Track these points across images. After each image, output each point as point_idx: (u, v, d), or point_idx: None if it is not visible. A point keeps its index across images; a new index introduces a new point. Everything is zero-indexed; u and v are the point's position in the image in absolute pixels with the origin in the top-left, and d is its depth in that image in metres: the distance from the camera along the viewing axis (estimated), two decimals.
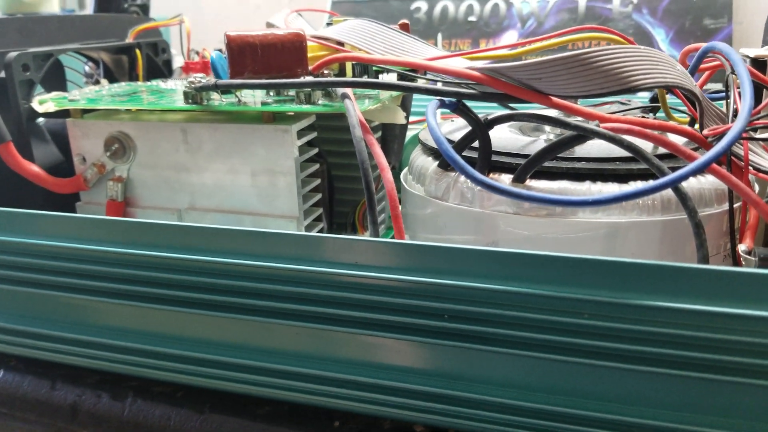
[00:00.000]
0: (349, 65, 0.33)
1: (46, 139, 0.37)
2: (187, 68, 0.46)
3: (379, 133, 0.38)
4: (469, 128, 0.27)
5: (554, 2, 0.75)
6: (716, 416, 0.20)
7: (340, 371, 0.24)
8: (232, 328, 0.25)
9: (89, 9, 0.57)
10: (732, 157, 0.25)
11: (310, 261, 0.22)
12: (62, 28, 0.42)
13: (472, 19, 0.78)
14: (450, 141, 0.28)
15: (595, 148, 0.27)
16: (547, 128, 0.30)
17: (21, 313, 0.29)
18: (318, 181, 0.33)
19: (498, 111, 0.28)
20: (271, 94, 0.33)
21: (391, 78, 0.35)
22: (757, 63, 0.33)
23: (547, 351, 0.21)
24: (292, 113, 0.31)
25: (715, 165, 0.22)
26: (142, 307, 0.26)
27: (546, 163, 0.25)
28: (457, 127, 0.32)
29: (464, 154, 0.28)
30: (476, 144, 0.27)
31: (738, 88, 0.24)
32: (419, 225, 0.30)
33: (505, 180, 0.26)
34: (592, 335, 0.20)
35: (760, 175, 0.26)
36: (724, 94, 0.27)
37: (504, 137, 0.30)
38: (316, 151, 0.33)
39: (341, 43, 0.33)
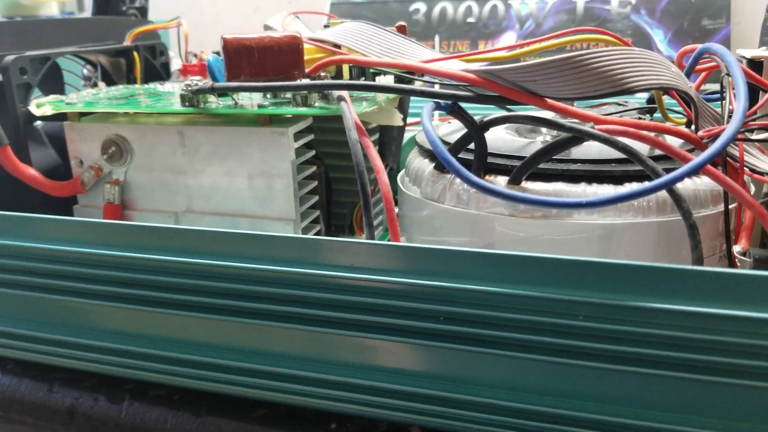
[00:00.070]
0: (345, 68, 0.33)
1: (43, 143, 0.37)
2: (185, 71, 0.46)
3: (377, 135, 0.38)
4: (466, 130, 0.27)
5: (552, 3, 0.75)
6: (712, 417, 0.20)
7: (336, 373, 0.24)
8: (229, 330, 0.25)
9: (88, 12, 0.57)
10: (727, 158, 0.25)
11: (306, 263, 0.22)
12: (60, 31, 0.42)
13: (470, 20, 0.78)
14: (446, 143, 0.28)
15: (590, 149, 0.27)
16: (544, 130, 0.30)
17: (18, 316, 0.29)
18: (315, 184, 0.33)
19: (496, 112, 0.28)
20: (268, 96, 0.33)
21: (387, 80, 0.35)
22: (754, 64, 0.33)
23: (542, 353, 0.21)
24: (290, 116, 0.31)
25: (709, 166, 0.22)
26: (139, 310, 0.26)
27: (541, 165, 0.25)
28: (454, 129, 0.32)
29: (461, 156, 0.28)
30: (472, 146, 0.27)
31: (733, 89, 0.24)
32: (416, 227, 0.30)
33: (500, 182, 0.26)
34: (588, 337, 0.20)
35: (756, 176, 0.26)
36: (724, 95, 0.27)
37: (500, 139, 0.30)
38: (313, 153, 0.33)
39: (338, 46, 0.33)
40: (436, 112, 0.42)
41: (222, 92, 0.31)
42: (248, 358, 0.25)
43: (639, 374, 0.20)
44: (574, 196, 0.25)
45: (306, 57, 0.31)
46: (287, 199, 0.31)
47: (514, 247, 0.25)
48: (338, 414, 0.25)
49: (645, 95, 0.40)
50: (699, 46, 0.29)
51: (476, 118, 0.26)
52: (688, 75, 0.31)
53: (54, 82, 0.41)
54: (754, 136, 0.28)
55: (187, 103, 0.31)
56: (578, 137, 0.23)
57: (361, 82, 0.33)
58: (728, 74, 0.25)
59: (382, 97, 0.33)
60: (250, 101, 0.32)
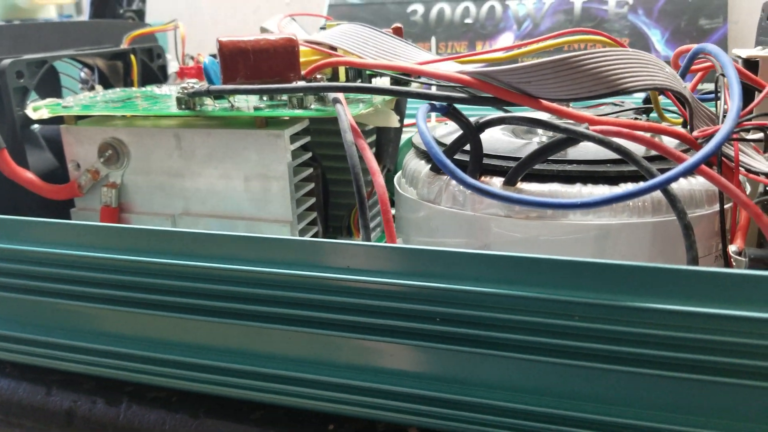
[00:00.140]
0: (342, 70, 0.33)
1: (41, 146, 0.37)
2: (182, 73, 0.46)
3: (374, 137, 0.38)
4: (462, 131, 0.27)
5: (550, 4, 0.75)
6: (708, 417, 0.20)
7: (333, 375, 0.24)
8: (227, 333, 0.25)
9: (86, 15, 0.57)
10: (723, 158, 0.25)
11: (302, 265, 0.22)
12: (57, 35, 0.42)
13: (468, 21, 0.78)
14: (442, 144, 0.28)
15: (586, 150, 0.27)
16: (540, 131, 0.31)
17: (16, 319, 0.29)
18: (312, 186, 0.33)
19: (492, 114, 0.28)
20: (264, 99, 0.33)
21: (383, 82, 0.35)
22: (749, 64, 0.33)
23: (539, 353, 0.21)
24: (286, 118, 0.31)
25: (704, 166, 0.22)
26: (136, 313, 0.26)
27: (537, 166, 0.26)
28: (451, 130, 0.32)
29: (457, 157, 0.28)
30: (468, 147, 0.27)
31: (728, 89, 0.24)
32: (412, 228, 0.30)
33: (496, 183, 0.26)
34: (584, 337, 0.20)
35: (751, 175, 0.26)
36: (719, 95, 0.27)
37: (496, 140, 0.30)
38: (309, 155, 0.33)
39: (334, 48, 0.33)
40: (434, 114, 0.42)
41: (218, 95, 0.31)
42: (246, 360, 0.25)
43: (635, 374, 0.20)
44: (570, 197, 0.25)
45: (302, 59, 0.31)
46: (284, 202, 0.31)
47: (510, 248, 0.26)
48: (336, 415, 0.25)
49: (641, 96, 0.40)
50: (694, 46, 0.29)
51: (472, 119, 0.27)
52: (683, 75, 0.31)
53: (51, 86, 0.41)
54: (750, 136, 0.28)
55: (183, 106, 0.31)
56: (573, 138, 0.23)
57: (357, 84, 0.33)
58: (723, 74, 0.25)
59: (378, 98, 0.33)
60: (247, 104, 0.32)
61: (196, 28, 0.92)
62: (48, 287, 0.27)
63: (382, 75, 0.35)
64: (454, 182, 0.27)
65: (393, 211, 0.32)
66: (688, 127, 0.27)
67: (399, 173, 0.33)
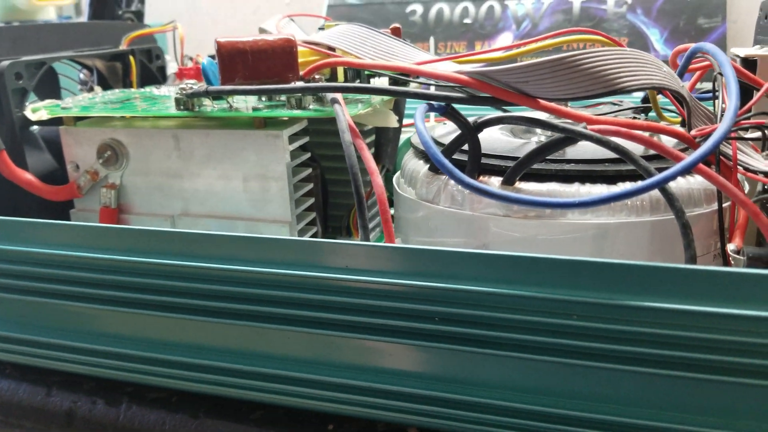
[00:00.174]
0: (340, 70, 0.33)
1: (40, 147, 0.37)
2: (181, 74, 0.46)
3: (373, 137, 0.38)
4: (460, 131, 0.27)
5: (549, 3, 0.75)
6: (707, 415, 0.20)
7: (333, 375, 0.24)
8: (226, 333, 0.25)
9: (85, 16, 0.57)
10: (721, 157, 0.25)
11: (301, 265, 0.22)
12: (56, 36, 0.42)
13: (467, 21, 0.78)
14: (440, 144, 0.28)
15: (584, 149, 0.27)
16: (538, 130, 0.31)
17: (16, 320, 0.29)
18: (311, 186, 0.33)
19: (493, 113, 0.28)
20: (263, 99, 0.33)
21: (382, 82, 0.35)
22: (748, 62, 0.33)
23: (537, 352, 0.21)
24: (285, 118, 0.31)
25: (702, 165, 0.22)
26: (136, 314, 0.26)
27: (535, 166, 0.26)
28: (450, 130, 0.32)
29: (455, 157, 0.28)
30: (467, 147, 0.27)
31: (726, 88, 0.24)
32: (411, 228, 0.30)
33: (494, 183, 0.26)
34: (582, 336, 0.20)
35: (749, 174, 0.26)
36: (717, 94, 0.27)
37: (495, 140, 0.30)
38: (308, 155, 0.33)
39: (332, 48, 0.33)
40: (433, 114, 0.42)
41: (216, 96, 0.31)
42: (246, 360, 0.25)
43: (633, 373, 0.20)
44: (568, 196, 0.25)
45: (300, 60, 0.31)
46: (283, 202, 0.31)
47: (508, 248, 0.26)
48: (336, 415, 0.25)
49: (640, 95, 0.40)
50: (692, 46, 0.29)
51: (471, 119, 0.27)
52: (681, 74, 0.31)
53: (50, 87, 0.42)
54: (748, 135, 0.28)
55: (182, 107, 0.31)
56: (571, 137, 0.23)
57: (355, 84, 0.33)
58: (720, 73, 0.25)
59: (377, 99, 0.33)
60: (245, 104, 0.32)
61: (196, 29, 0.92)
62: (48, 288, 0.27)
63: (380, 75, 0.35)
64: (452, 182, 0.27)
65: (392, 211, 0.32)
66: (686, 126, 0.27)
67: (398, 173, 0.33)
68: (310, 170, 0.33)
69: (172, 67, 0.50)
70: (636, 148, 0.24)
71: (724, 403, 0.19)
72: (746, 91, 0.29)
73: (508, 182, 0.26)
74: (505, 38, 0.76)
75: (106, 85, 0.45)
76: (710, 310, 0.18)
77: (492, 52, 0.35)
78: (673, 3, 0.71)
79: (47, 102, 0.35)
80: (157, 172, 0.33)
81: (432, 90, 0.29)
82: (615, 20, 0.73)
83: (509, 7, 0.77)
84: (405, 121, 0.40)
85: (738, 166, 0.26)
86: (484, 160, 0.27)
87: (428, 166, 0.29)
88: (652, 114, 0.33)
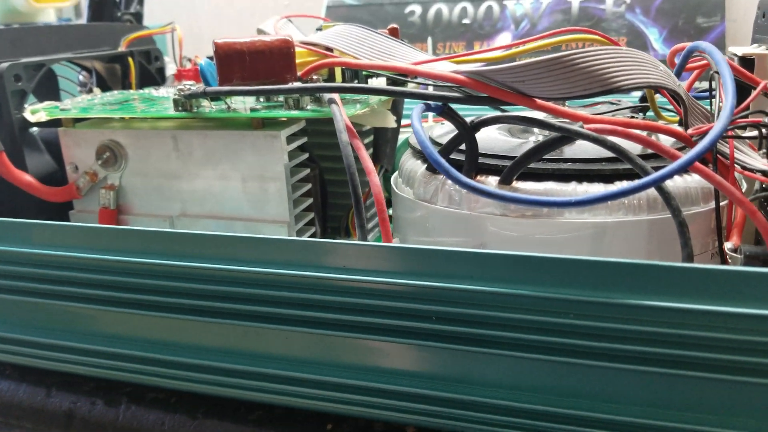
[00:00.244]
0: (338, 70, 0.33)
1: (39, 149, 0.37)
2: (180, 76, 0.46)
3: (371, 138, 0.38)
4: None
5: (547, 3, 0.75)
6: (705, 413, 0.20)
7: (331, 374, 0.24)
8: (224, 333, 0.25)
9: (85, 19, 0.57)
10: (718, 156, 0.25)
11: (298, 265, 0.23)
12: (55, 38, 0.42)
13: (465, 21, 0.78)
14: (438, 144, 0.28)
15: (582, 148, 0.27)
16: (536, 130, 0.31)
17: (16, 321, 0.29)
18: (309, 186, 0.33)
19: (491, 113, 0.28)
20: (261, 100, 0.33)
21: (380, 83, 0.35)
22: (745, 61, 0.33)
23: (534, 351, 0.21)
24: (284, 119, 0.32)
25: (698, 163, 0.22)
26: (135, 314, 0.26)
27: (532, 165, 0.26)
28: (448, 130, 0.32)
29: (453, 156, 0.28)
30: (464, 147, 0.27)
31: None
32: (409, 228, 0.30)
33: (492, 182, 0.26)
34: (579, 335, 0.20)
35: (746, 173, 0.26)
36: (714, 93, 0.28)
37: (493, 139, 0.30)
38: (306, 156, 0.33)
39: (330, 49, 0.33)
40: (431, 114, 0.42)
41: (214, 96, 0.31)
42: (244, 360, 0.25)
43: (629, 371, 0.20)
44: (565, 196, 0.25)
45: (298, 60, 0.31)
46: (281, 202, 0.31)
47: (506, 247, 0.26)
48: (334, 415, 0.25)
49: (638, 94, 0.40)
50: (689, 44, 0.29)
51: (469, 119, 0.27)
52: (678, 73, 0.31)
53: (49, 89, 0.42)
54: (746, 134, 0.28)
55: (180, 108, 0.32)
56: (567, 137, 0.23)
57: (351, 84, 0.33)
58: (717, 72, 0.25)
59: (374, 99, 0.33)
60: (243, 105, 0.32)
61: (194, 32, 0.92)
62: (47, 289, 0.27)
63: (378, 75, 0.35)
64: (449, 182, 0.27)
65: (390, 211, 0.32)
66: (683, 125, 0.27)
67: (396, 173, 0.33)
68: (308, 171, 0.33)
69: (170, 69, 0.51)
70: (633, 148, 0.24)
71: (721, 401, 0.19)
72: (744, 90, 0.30)
73: (505, 182, 0.26)
74: (504, 38, 0.76)
75: (105, 87, 0.45)
76: (708, 308, 0.18)
77: (489, 51, 0.35)
78: (671, 2, 0.71)
79: (46, 104, 0.35)
80: (155, 173, 0.33)
81: (429, 90, 0.29)
82: (614, 20, 0.73)
83: (508, 7, 0.77)
84: (404, 122, 0.40)
85: (735, 165, 0.26)
86: (481, 160, 0.27)
87: (426, 166, 0.29)
88: (650, 113, 0.33)
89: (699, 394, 0.19)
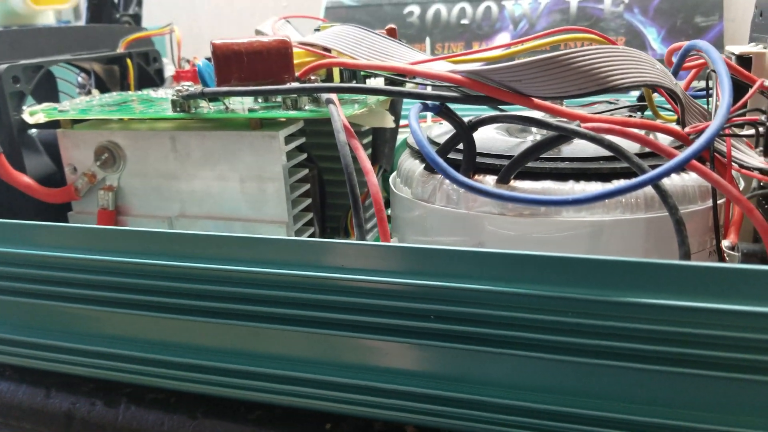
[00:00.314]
0: (336, 71, 0.33)
1: (38, 150, 0.37)
2: (178, 77, 0.46)
3: (370, 138, 0.38)
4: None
5: (546, 3, 0.75)
6: (703, 411, 0.20)
7: (330, 374, 0.24)
8: (223, 333, 0.25)
9: (84, 21, 0.57)
10: (716, 154, 0.26)
11: (296, 265, 0.23)
12: (54, 40, 0.42)
13: (464, 22, 0.78)
14: (436, 144, 0.29)
15: (580, 147, 0.27)
16: (534, 129, 0.31)
17: (15, 322, 0.29)
18: (307, 186, 0.33)
19: (489, 113, 0.28)
20: (259, 100, 0.33)
21: (377, 83, 0.36)
22: (743, 60, 0.33)
23: (533, 350, 0.21)
24: (282, 119, 0.32)
25: (695, 162, 0.22)
26: (134, 315, 0.26)
27: (530, 164, 0.26)
28: (446, 130, 0.32)
29: (451, 156, 0.28)
30: (462, 146, 0.27)
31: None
32: (408, 227, 0.30)
33: (489, 181, 0.26)
34: (577, 333, 0.20)
35: (744, 171, 0.26)
36: (711, 91, 0.28)
37: (491, 139, 0.30)
38: (304, 156, 0.33)
39: (328, 49, 0.33)
40: (430, 114, 0.42)
41: (212, 97, 0.31)
42: (243, 360, 0.25)
43: (628, 369, 0.20)
44: (562, 194, 0.25)
45: (296, 61, 0.31)
46: (279, 202, 0.31)
47: (504, 246, 0.26)
48: (334, 414, 0.25)
49: (638, 94, 0.40)
50: (685, 43, 0.29)
51: (467, 118, 0.27)
52: (675, 72, 0.31)
53: (48, 90, 0.42)
54: (744, 132, 0.28)
55: (178, 109, 0.32)
56: (564, 135, 0.23)
57: (349, 84, 0.33)
58: (714, 70, 0.25)
59: (372, 99, 0.33)
60: (241, 106, 0.32)
61: (193, 33, 0.92)
62: (46, 290, 0.27)
63: (376, 76, 0.35)
64: (447, 181, 0.27)
65: (388, 211, 0.32)
66: (681, 123, 0.27)
67: (394, 173, 0.33)
68: (306, 171, 0.33)
69: (169, 70, 0.51)
70: (631, 146, 0.25)
71: (720, 399, 0.19)
72: (742, 89, 0.30)
73: (503, 181, 0.26)
74: (503, 38, 0.76)
75: (104, 88, 0.45)
76: (705, 306, 0.18)
77: (487, 51, 0.35)
78: (670, 2, 0.71)
79: (45, 105, 0.36)
80: (154, 174, 0.33)
81: (427, 90, 0.29)
82: (612, 20, 0.73)
83: (506, 8, 0.77)
84: (403, 122, 0.40)
85: (732, 163, 0.26)
86: (479, 159, 0.27)
87: (424, 165, 0.29)
88: (648, 113, 0.33)
89: (697, 391, 0.20)
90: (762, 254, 0.23)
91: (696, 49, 0.28)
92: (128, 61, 0.45)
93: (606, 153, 0.25)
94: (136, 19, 0.56)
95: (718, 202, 0.26)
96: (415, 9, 0.80)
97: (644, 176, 0.20)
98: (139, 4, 0.57)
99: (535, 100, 0.24)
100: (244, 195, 0.32)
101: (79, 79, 0.50)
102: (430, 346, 0.22)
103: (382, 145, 0.38)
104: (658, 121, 0.30)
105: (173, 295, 0.25)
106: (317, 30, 0.37)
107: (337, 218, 0.39)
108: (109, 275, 0.26)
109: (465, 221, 0.27)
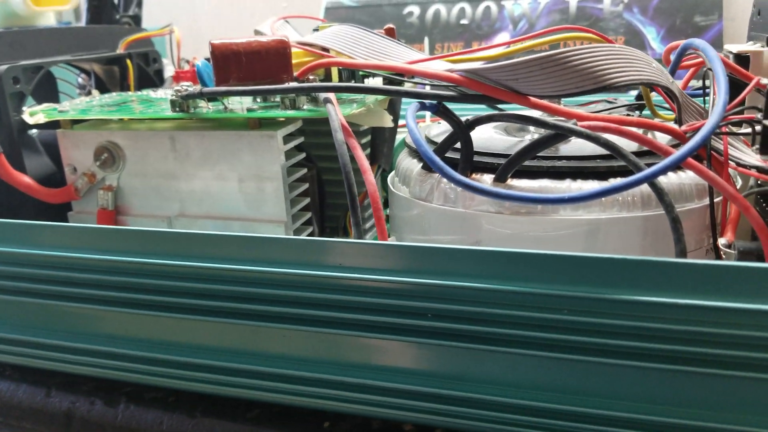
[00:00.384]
0: (335, 70, 0.34)
1: (38, 150, 0.37)
2: (178, 77, 0.46)
3: (368, 137, 0.38)
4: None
5: (545, 3, 0.75)
6: (700, 408, 0.20)
7: (329, 372, 0.24)
8: (222, 332, 0.25)
9: (84, 21, 0.57)
10: (712, 152, 0.26)
11: (294, 264, 0.23)
12: (54, 41, 0.43)
13: (464, 22, 0.78)
14: (433, 143, 0.29)
15: (577, 146, 0.27)
16: (532, 128, 0.31)
17: (15, 322, 0.29)
18: (306, 186, 0.33)
19: (487, 112, 0.28)
20: (258, 100, 0.33)
21: (376, 82, 0.36)
22: (740, 59, 0.33)
23: (530, 347, 0.21)
24: (281, 119, 0.32)
25: (691, 160, 0.22)
26: (134, 314, 0.26)
27: (527, 163, 0.26)
28: (444, 130, 0.32)
29: (449, 155, 0.28)
30: (459, 145, 0.27)
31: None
32: (406, 226, 0.30)
33: (487, 180, 0.26)
34: (574, 331, 0.20)
35: (740, 169, 0.26)
36: (709, 90, 0.28)
37: (489, 138, 0.30)
38: (303, 155, 0.33)
39: (326, 49, 0.33)
40: (428, 113, 0.42)
41: (211, 97, 0.31)
42: (242, 359, 0.25)
43: (624, 367, 0.20)
44: (559, 193, 0.25)
45: (294, 61, 0.31)
46: (278, 202, 0.31)
47: (501, 244, 0.26)
48: (332, 412, 0.25)
49: (635, 92, 0.40)
50: (683, 42, 0.29)
51: (464, 118, 0.27)
52: (673, 71, 0.31)
53: (48, 91, 0.42)
54: (741, 130, 0.28)
55: (177, 109, 0.32)
56: (561, 134, 0.24)
57: (346, 83, 0.33)
58: (710, 69, 0.25)
59: (371, 98, 0.33)
60: (240, 105, 0.32)
61: (193, 34, 0.92)
62: (46, 290, 0.27)
63: (375, 75, 0.35)
64: (445, 180, 0.27)
65: (387, 211, 0.32)
66: (677, 121, 0.27)
67: (393, 172, 0.33)
68: (305, 170, 0.33)
69: (169, 71, 0.51)
70: (628, 145, 0.25)
71: (715, 396, 0.19)
72: (740, 87, 0.30)
73: (500, 179, 0.26)
74: (502, 38, 0.76)
75: (104, 89, 0.46)
76: (702, 304, 0.18)
77: (485, 50, 0.35)
78: (669, 1, 0.71)
79: (45, 105, 0.36)
80: (153, 174, 0.33)
81: (425, 89, 0.29)
82: (611, 19, 0.73)
83: (506, 8, 0.77)
84: (402, 122, 0.40)
85: (729, 161, 0.26)
86: (476, 158, 0.27)
87: (421, 164, 0.29)
88: (646, 111, 0.34)
89: (694, 388, 0.20)
90: (758, 252, 0.23)
91: (693, 48, 0.28)
92: (128, 61, 0.45)
93: (603, 151, 0.25)
94: (136, 19, 0.56)
95: (715, 200, 0.26)
96: (415, 9, 0.80)
97: (640, 174, 0.20)
98: (139, 5, 0.57)
99: (533, 98, 0.25)
100: (242, 194, 0.32)
101: (79, 79, 0.50)
102: (428, 344, 0.22)
103: (380, 145, 0.38)
104: (656, 120, 0.30)
105: (172, 294, 0.25)
106: (316, 30, 0.38)
107: (336, 218, 0.39)
108: (108, 275, 0.26)
109: (462, 220, 0.27)
